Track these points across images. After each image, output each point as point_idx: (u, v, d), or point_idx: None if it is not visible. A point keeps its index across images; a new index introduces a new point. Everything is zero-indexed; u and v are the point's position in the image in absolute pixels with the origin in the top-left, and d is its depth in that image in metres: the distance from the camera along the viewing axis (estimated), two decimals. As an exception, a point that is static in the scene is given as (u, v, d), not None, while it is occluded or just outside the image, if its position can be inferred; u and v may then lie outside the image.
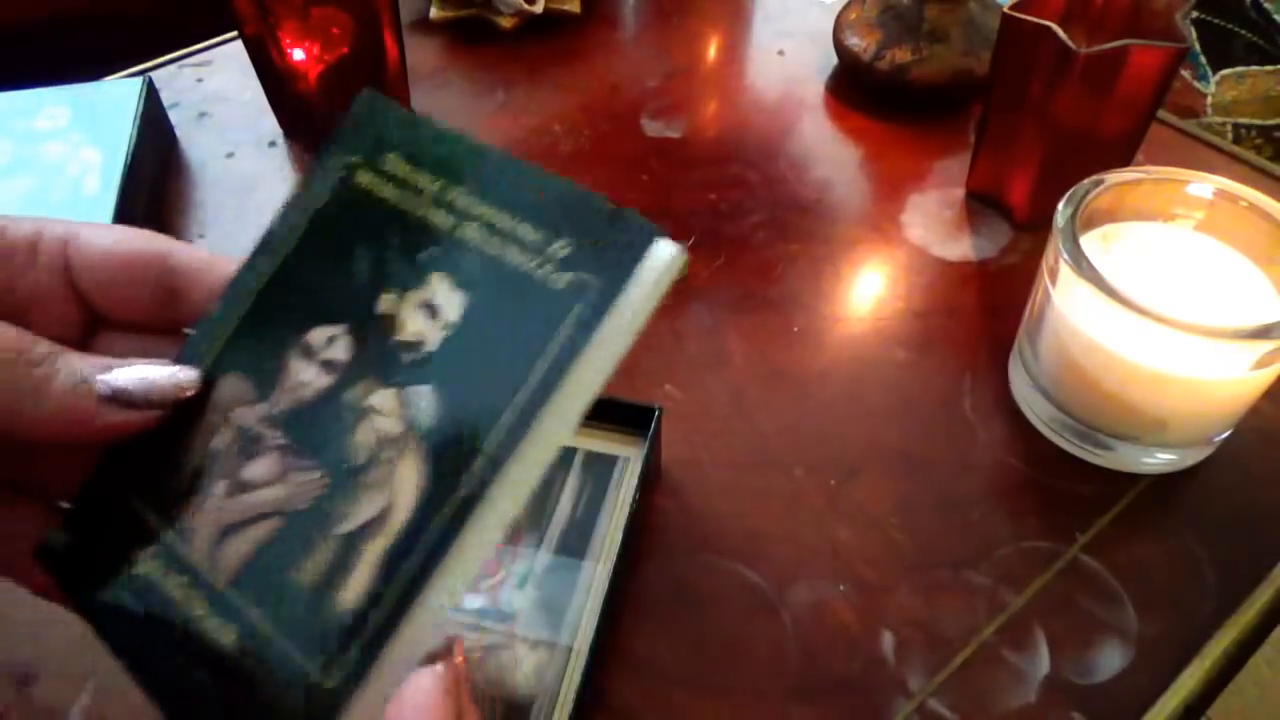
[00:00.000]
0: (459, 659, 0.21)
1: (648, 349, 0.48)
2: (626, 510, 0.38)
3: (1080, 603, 0.38)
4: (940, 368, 0.47)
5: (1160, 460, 0.42)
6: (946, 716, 0.35)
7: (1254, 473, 0.43)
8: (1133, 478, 0.42)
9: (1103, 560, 0.40)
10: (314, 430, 0.23)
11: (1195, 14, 0.75)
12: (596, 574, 0.38)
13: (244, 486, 0.23)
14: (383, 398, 0.23)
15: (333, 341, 0.24)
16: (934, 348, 0.48)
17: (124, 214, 0.50)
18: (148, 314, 0.26)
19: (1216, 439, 0.42)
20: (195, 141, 0.61)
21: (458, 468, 0.21)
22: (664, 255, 0.22)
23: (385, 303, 0.24)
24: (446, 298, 0.23)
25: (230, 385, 0.24)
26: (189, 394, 0.23)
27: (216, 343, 0.25)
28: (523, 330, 0.22)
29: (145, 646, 0.23)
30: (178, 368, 0.24)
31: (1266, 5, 0.72)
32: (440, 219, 0.24)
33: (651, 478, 0.41)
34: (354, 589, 0.21)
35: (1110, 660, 0.37)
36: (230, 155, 0.60)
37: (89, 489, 0.24)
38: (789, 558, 0.40)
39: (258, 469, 0.23)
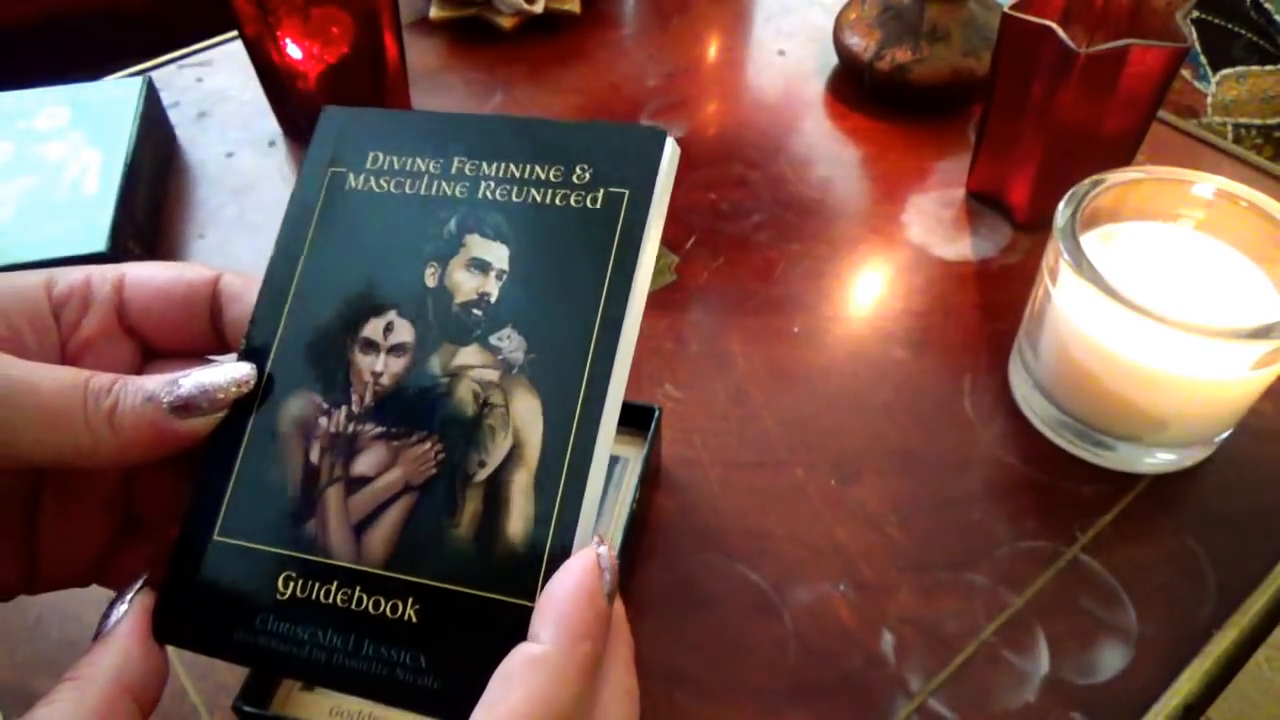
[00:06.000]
0: (602, 548, 0.23)
1: (648, 349, 0.48)
2: (627, 510, 0.38)
3: (1080, 603, 0.38)
4: (940, 367, 0.47)
5: (1160, 460, 0.42)
6: (946, 716, 0.35)
7: (1254, 473, 0.43)
8: (1133, 478, 0.42)
9: (1103, 560, 0.40)
10: (408, 408, 0.24)
11: (1195, 14, 0.75)
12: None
13: (360, 482, 0.24)
14: (468, 354, 0.24)
15: (391, 328, 0.25)
16: (934, 347, 0.48)
17: (124, 214, 0.50)
18: (196, 342, 0.27)
19: (1216, 439, 0.42)
20: (195, 141, 0.61)
21: (570, 381, 0.24)
22: (671, 150, 0.25)
23: (429, 277, 0.25)
24: (489, 251, 0.25)
25: (297, 405, 0.25)
26: (247, 388, 0.25)
27: (263, 361, 0.26)
28: (579, 251, 0.25)
29: (320, 657, 0.23)
30: (231, 365, 0.25)
31: (1266, 5, 0.72)
32: (452, 189, 0.26)
33: (652, 478, 0.41)
34: (518, 520, 0.23)
35: (1110, 660, 0.37)
36: (230, 155, 0.60)
37: (183, 547, 0.24)
38: (789, 557, 0.40)
39: (366, 462, 0.24)
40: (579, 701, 0.21)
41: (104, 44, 0.74)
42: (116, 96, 0.56)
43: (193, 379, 0.24)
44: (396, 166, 0.26)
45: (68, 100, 0.56)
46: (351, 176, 0.27)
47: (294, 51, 0.55)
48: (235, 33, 0.66)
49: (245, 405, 0.25)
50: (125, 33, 0.79)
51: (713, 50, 0.70)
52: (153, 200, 0.55)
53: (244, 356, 0.26)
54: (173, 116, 0.62)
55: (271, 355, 0.25)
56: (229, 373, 0.25)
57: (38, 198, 0.50)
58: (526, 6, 0.67)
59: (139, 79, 0.58)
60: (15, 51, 0.83)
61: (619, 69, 0.67)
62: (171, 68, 0.67)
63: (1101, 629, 0.38)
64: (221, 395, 0.24)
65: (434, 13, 0.68)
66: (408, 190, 0.26)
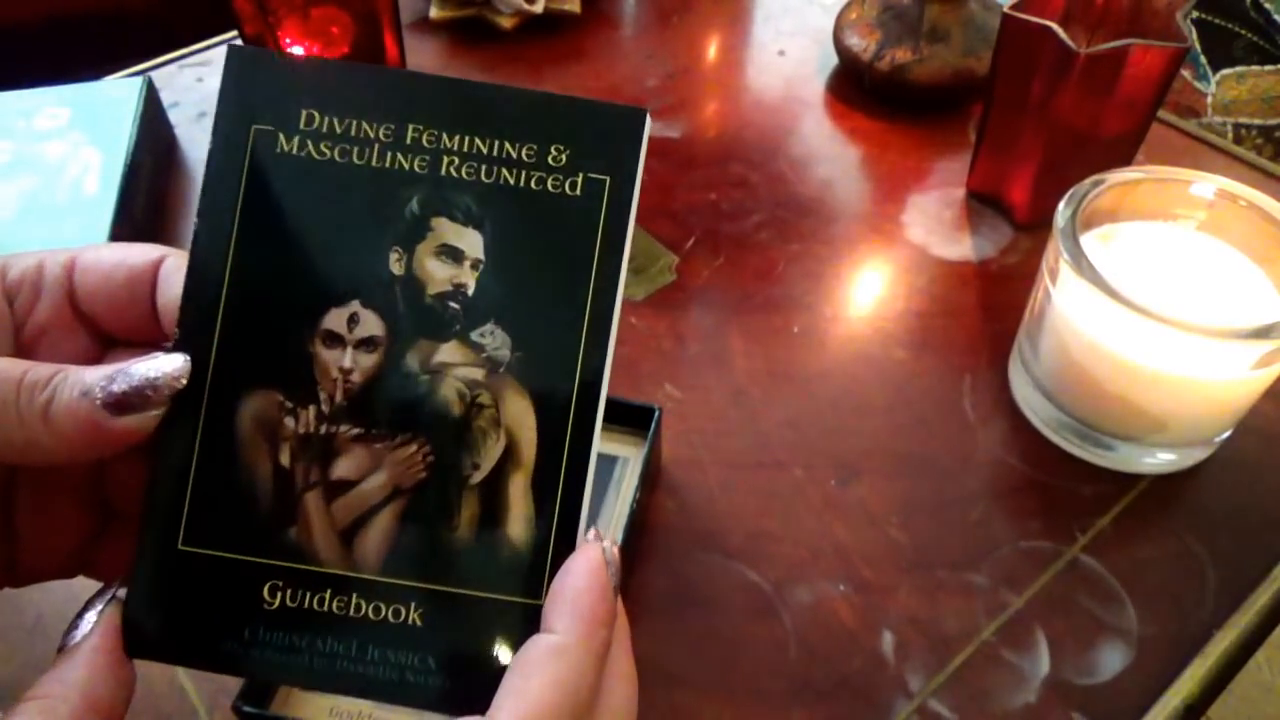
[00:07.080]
0: (605, 542, 0.23)
1: (648, 349, 0.48)
2: (627, 510, 0.38)
3: (1080, 603, 0.38)
4: (940, 368, 0.47)
5: (1160, 460, 0.42)
6: (946, 716, 0.35)
7: (1254, 473, 0.43)
8: (1133, 478, 0.42)
9: (1103, 560, 0.40)
10: (386, 408, 0.23)
11: (1195, 14, 0.75)
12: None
13: (341, 487, 0.23)
14: (448, 352, 0.23)
15: (356, 320, 0.23)
16: (934, 348, 0.48)
17: (124, 214, 0.50)
18: (145, 329, 0.25)
19: (1217, 439, 0.42)
20: (195, 141, 0.61)
21: (561, 382, 0.23)
22: (648, 128, 0.24)
23: (395, 264, 0.23)
24: (461, 238, 0.23)
25: (257, 403, 0.23)
26: (181, 384, 0.22)
27: (205, 352, 0.23)
28: (560, 243, 0.23)
29: (322, 665, 0.22)
30: (164, 358, 0.23)
31: (1267, 5, 0.72)
32: (409, 163, 0.23)
33: (652, 478, 0.41)
34: (518, 522, 0.22)
35: (1110, 660, 0.37)
36: (230, 155, 0.60)
37: (144, 558, 0.23)
38: (789, 558, 0.40)
39: (346, 466, 0.23)
40: (594, 688, 0.21)
41: (104, 44, 0.74)
42: (116, 96, 0.56)
43: (125, 372, 0.22)
44: (339, 130, 0.23)
45: (68, 100, 0.56)
46: (283, 138, 0.23)
47: (294, 51, 0.55)
48: (235, 33, 0.65)
49: (194, 402, 0.23)
50: (125, 33, 0.79)
51: (713, 50, 0.70)
52: (153, 200, 0.55)
53: (178, 347, 0.23)
54: (173, 116, 0.62)
55: (214, 347, 0.23)
56: (160, 365, 0.22)
57: (38, 198, 0.50)
58: (526, 6, 0.67)
59: (139, 79, 0.58)
60: (16, 51, 0.83)
61: (619, 69, 0.67)
62: (171, 68, 0.67)
63: (1101, 629, 0.38)
64: (153, 392, 0.22)
65: (434, 13, 0.68)
66: (355, 160, 0.23)
